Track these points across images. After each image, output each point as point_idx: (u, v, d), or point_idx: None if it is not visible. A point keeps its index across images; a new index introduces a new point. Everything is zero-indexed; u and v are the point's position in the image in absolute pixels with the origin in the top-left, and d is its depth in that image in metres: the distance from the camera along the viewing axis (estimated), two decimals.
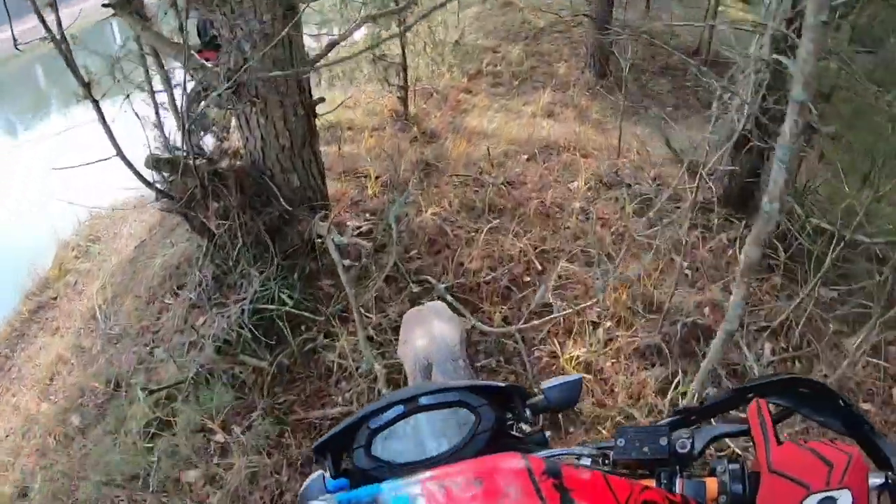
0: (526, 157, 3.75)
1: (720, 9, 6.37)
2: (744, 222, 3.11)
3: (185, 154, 2.40)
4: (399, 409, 0.78)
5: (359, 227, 2.87)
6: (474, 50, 5.74)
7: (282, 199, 2.69)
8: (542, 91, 5.24)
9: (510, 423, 0.82)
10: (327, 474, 0.79)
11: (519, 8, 6.77)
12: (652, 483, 0.62)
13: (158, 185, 2.48)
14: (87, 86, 2.21)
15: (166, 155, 2.39)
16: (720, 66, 5.92)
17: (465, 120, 4.64)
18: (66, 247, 3.37)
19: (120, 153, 2.34)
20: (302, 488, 0.84)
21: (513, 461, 0.55)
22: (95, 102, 2.24)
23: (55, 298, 3.09)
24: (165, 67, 2.74)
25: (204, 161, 2.51)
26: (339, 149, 3.60)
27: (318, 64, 2.82)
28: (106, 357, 2.58)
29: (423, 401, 0.79)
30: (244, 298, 2.50)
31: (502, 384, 0.81)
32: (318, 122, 2.88)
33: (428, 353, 1.30)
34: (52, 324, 2.95)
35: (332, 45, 2.90)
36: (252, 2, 2.38)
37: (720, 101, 3.61)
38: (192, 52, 3.13)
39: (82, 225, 3.53)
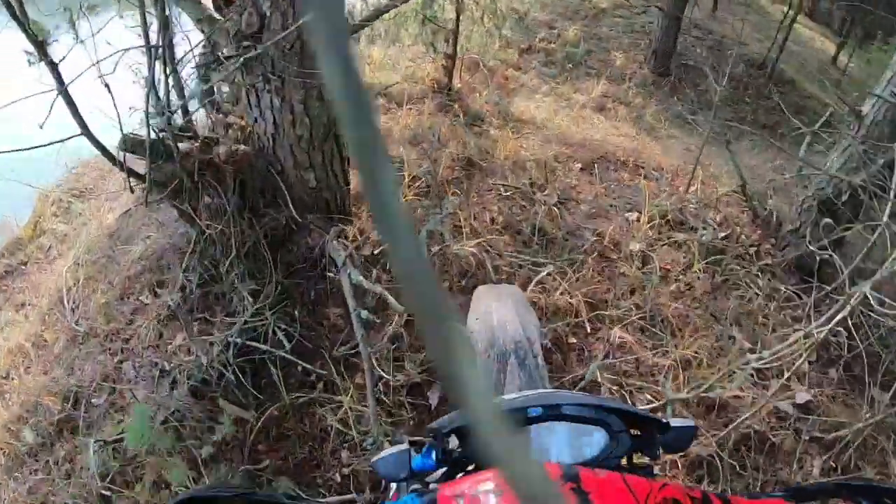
0: (580, 165, 2.97)
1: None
2: (812, 299, 2.37)
3: (168, 137, 1.65)
4: (537, 411, 0.71)
5: (382, 243, 2.15)
6: (531, 24, 4.75)
7: (291, 203, 1.97)
8: (595, 80, 4.34)
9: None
10: (414, 452, 0.73)
11: None
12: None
13: (139, 171, 1.75)
14: (40, 45, 1.45)
15: (145, 136, 1.64)
16: (785, 86, 5.00)
17: (512, 101, 3.79)
18: (47, 200, 2.64)
19: (86, 130, 1.60)
20: (380, 456, 0.74)
21: None
22: (53, 65, 1.48)
23: (25, 264, 2.41)
24: (167, 12, 1.92)
25: (195, 145, 1.76)
26: None
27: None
28: (67, 361, 1.95)
29: (566, 411, 0.71)
30: (232, 323, 1.83)
31: (662, 419, 0.73)
32: None
33: (506, 340, 1.14)
34: (19, 296, 2.31)
35: (381, 12, 2.07)
36: None
37: (809, 148, 2.81)
38: None
39: (69, 173, 2.79)
